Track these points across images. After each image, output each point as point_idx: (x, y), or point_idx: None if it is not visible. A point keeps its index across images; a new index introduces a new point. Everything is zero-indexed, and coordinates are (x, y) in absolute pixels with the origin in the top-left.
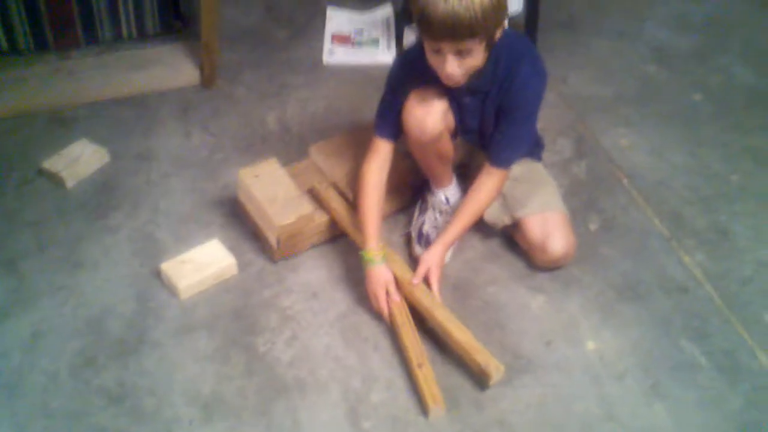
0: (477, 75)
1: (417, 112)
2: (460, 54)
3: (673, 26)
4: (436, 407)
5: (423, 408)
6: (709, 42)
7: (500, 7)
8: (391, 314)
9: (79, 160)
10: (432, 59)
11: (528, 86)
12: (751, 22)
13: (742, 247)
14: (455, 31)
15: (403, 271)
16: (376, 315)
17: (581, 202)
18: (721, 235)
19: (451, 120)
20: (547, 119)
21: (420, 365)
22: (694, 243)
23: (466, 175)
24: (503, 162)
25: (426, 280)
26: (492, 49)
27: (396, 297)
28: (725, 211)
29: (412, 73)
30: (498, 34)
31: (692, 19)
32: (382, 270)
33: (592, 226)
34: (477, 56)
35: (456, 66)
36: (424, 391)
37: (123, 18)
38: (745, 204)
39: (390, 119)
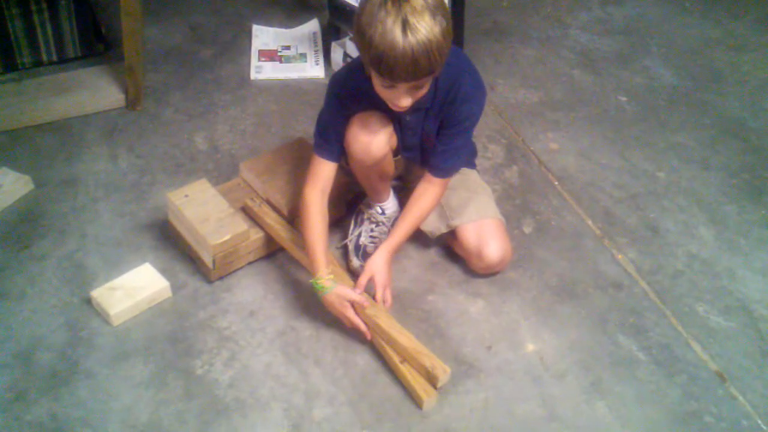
0: None
1: (362, 138)
2: (416, 88)
3: (596, 31)
4: (429, 398)
5: (416, 402)
6: (630, 45)
7: (450, 36)
8: (354, 322)
9: (0, 189)
10: (382, 92)
11: (470, 101)
12: (670, 24)
13: (672, 241)
14: (416, 74)
15: (345, 281)
16: (350, 331)
17: (515, 206)
18: (652, 231)
19: (394, 141)
20: (478, 126)
21: (402, 361)
22: (626, 240)
23: (402, 188)
24: (445, 172)
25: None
26: None
27: (364, 302)
28: (654, 208)
29: (349, 94)
30: None
31: (613, 23)
32: (338, 291)
33: (527, 229)
34: (428, 86)
35: (410, 99)
36: (413, 385)
37: (42, 42)
38: (673, 200)
39: (331, 140)
